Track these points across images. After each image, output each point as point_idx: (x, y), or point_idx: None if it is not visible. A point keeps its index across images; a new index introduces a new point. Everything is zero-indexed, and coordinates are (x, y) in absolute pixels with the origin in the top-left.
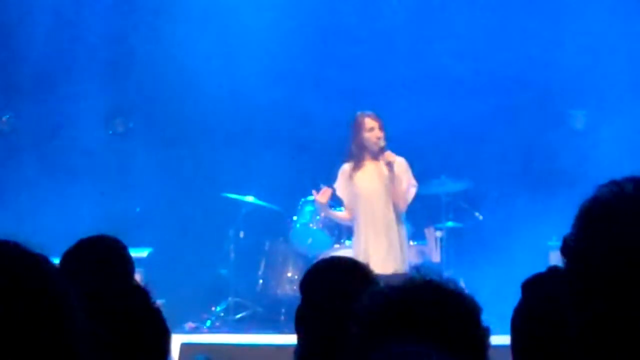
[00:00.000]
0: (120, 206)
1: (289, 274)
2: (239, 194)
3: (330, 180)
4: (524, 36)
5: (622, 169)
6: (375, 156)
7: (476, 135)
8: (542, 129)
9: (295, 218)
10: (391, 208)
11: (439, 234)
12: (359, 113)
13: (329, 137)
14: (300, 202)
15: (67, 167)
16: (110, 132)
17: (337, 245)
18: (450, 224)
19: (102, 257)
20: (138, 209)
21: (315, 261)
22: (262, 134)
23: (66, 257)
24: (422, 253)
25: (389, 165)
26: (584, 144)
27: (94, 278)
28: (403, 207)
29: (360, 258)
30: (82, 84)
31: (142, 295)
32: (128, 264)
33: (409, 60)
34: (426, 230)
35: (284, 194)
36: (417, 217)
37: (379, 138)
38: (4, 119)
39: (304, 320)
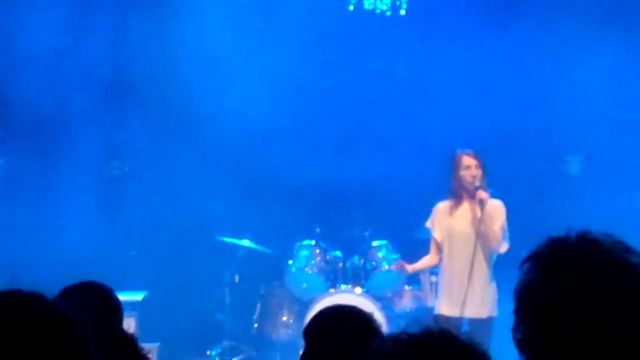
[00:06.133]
0: (116, 249)
1: (284, 318)
2: (234, 237)
3: (326, 224)
4: (518, 84)
5: (611, 216)
6: (472, 196)
7: None
8: (538, 174)
9: (290, 262)
10: (480, 252)
11: (434, 278)
12: (458, 151)
13: (323, 183)
14: (296, 246)
15: (62, 209)
16: (106, 175)
17: (332, 290)
18: None
19: (90, 304)
20: (133, 253)
21: (315, 306)
22: (257, 177)
23: (56, 301)
24: (417, 298)
25: (480, 202)
26: (579, 190)
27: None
28: (496, 245)
29: (441, 295)
30: (78, 126)
31: (129, 343)
32: (116, 311)
33: (403, 107)
34: (421, 275)
35: (280, 238)
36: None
37: (474, 177)
38: None
39: None
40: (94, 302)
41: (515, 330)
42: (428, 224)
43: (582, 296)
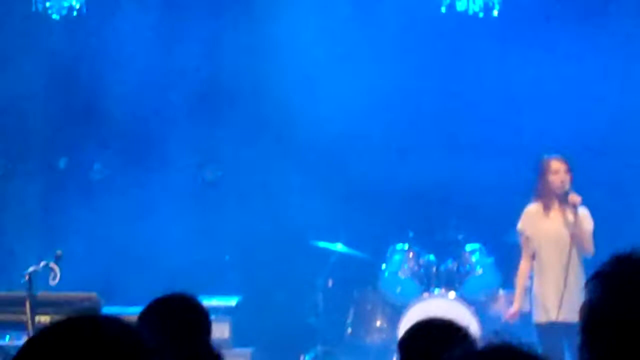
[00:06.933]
0: (210, 254)
1: (378, 323)
2: (327, 242)
3: (420, 228)
4: (611, 87)
5: None
6: (562, 199)
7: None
8: (635, 180)
9: (384, 266)
10: (575, 254)
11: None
12: (545, 156)
13: (416, 187)
14: (389, 250)
15: (157, 214)
16: (200, 179)
17: (426, 294)
18: None
19: (176, 318)
20: (227, 257)
21: (408, 311)
22: (351, 181)
23: (142, 317)
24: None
25: (574, 207)
26: None
27: (169, 339)
28: (589, 247)
29: (537, 302)
30: (172, 131)
31: (215, 358)
32: (202, 324)
33: (496, 110)
34: (516, 279)
35: (373, 242)
36: (505, 265)
37: (562, 181)
38: (95, 168)
39: None
40: (179, 316)
41: (581, 350)
42: (519, 227)
43: None
